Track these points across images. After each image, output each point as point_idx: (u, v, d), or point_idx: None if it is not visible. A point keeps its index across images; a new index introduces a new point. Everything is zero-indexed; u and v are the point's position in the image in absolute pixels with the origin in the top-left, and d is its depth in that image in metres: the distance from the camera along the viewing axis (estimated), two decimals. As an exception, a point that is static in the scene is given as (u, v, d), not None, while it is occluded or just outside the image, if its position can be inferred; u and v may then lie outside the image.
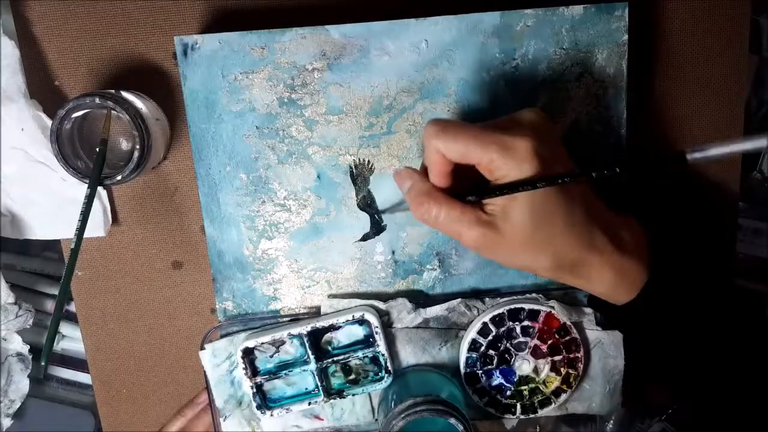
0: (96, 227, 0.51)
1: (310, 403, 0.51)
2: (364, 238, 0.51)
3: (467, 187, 0.42)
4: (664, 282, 0.44)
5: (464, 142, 0.40)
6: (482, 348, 0.51)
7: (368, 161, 0.50)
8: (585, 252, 0.42)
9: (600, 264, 0.43)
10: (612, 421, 0.57)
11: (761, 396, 0.44)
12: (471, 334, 0.51)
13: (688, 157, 0.37)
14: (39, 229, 0.52)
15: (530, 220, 0.41)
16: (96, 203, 0.51)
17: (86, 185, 0.45)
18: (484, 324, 0.51)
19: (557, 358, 0.51)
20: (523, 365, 0.52)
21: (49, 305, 0.57)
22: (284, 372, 0.51)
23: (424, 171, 0.44)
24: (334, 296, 0.52)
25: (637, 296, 0.44)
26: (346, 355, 0.50)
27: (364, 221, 0.51)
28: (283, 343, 0.51)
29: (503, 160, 0.39)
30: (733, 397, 0.45)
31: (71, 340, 0.57)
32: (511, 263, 0.43)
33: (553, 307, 0.50)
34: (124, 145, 0.50)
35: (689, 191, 0.53)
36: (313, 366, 0.50)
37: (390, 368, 0.51)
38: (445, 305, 0.51)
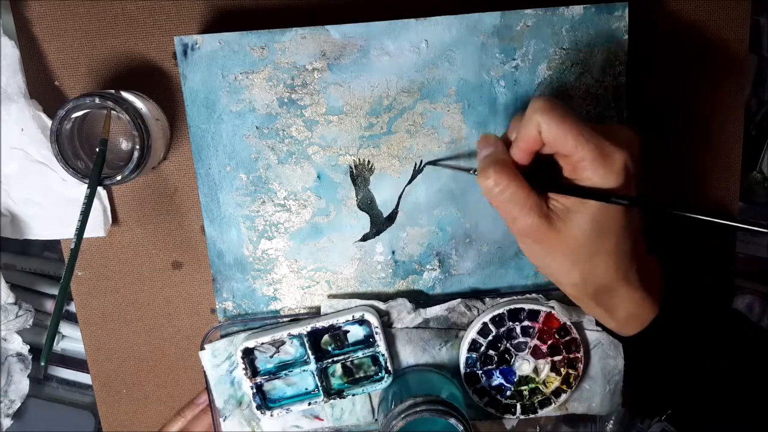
0: (96, 227, 0.51)
1: (310, 404, 0.51)
2: (364, 238, 0.51)
3: (539, 175, 0.41)
4: (672, 320, 0.45)
5: (567, 129, 0.38)
6: (482, 348, 0.51)
7: (368, 161, 0.50)
8: (616, 281, 0.42)
9: (624, 296, 0.43)
10: (612, 421, 0.57)
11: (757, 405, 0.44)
12: (471, 334, 0.51)
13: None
14: (39, 229, 0.52)
15: (588, 231, 0.40)
16: (96, 203, 0.51)
17: (86, 185, 0.45)
18: (484, 324, 0.51)
19: (557, 358, 0.51)
20: (523, 365, 0.52)
21: (49, 305, 0.57)
22: (284, 372, 0.51)
23: (505, 143, 0.43)
24: (334, 296, 0.52)
25: (643, 331, 0.44)
26: (346, 356, 0.50)
27: (364, 221, 0.51)
28: (283, 343, 0.51)
29: (595, 164, 0.39)
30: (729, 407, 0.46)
31: (71, 340, 0.57)
32: (543, 264, 0.43)
33: (553, 308, 0.50)
34: (124, 145, 0.50)
35: (689, 191, 0.53)
36: (313, 366, 0.50)
37: (390, 368, 0.51)
38: (445, 305, 0.51)
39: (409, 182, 0.50)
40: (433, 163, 0.50)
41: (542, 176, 0.41)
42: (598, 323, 0.50)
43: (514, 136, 0.42)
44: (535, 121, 0.39)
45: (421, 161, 0.50)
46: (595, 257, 0.41)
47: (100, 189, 0.51)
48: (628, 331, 0.45)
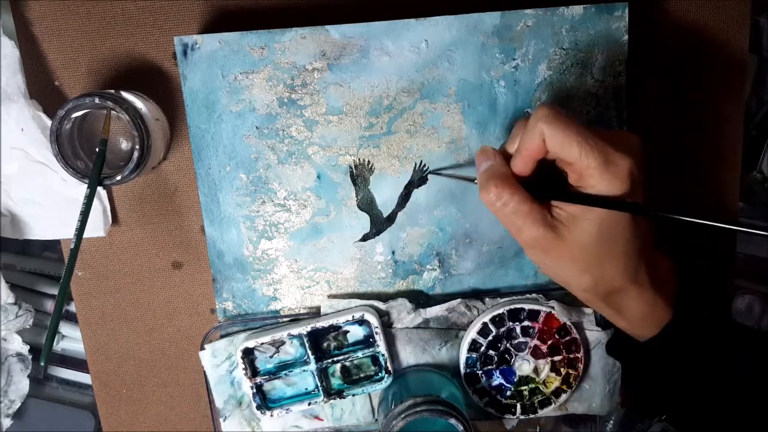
0: (96, 227, 0.51)
1: (310, 404, 0.51)
2: (364, 238, 0.51)
3: (542, 183, 0.41)
4: (687, 322, 0.44)
5: (572, 137, 0.38)
6: (482, 348, 0.51)
7: (368, 161, 0.50)
8: (627, 282, 0.42)
9: (635, 296, 0.43)
10: (612, 421, 0.57)
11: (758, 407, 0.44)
12: (471, 334, 0.51)
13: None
14: (39, 229, 0.52)
15: (595, 238, 0.40)
16: (96, 203, 0.51)
17: (86, 185, 0.45)
18: (484, 324, 0.51)
19: (557, 358, 0.51)
20: (523, 365, 0.52)
21: (49, 305, 0.57)
22: (284, 372, 0.51)
23: (504, 155, 0.43)
24: (334, 296, 0.52)
25: (658, 334, 0.44)
26: (346, 356, 0.50)
27: (364, 221, 0.51)
28: (283, 343, 0.51)
29: (600, 171, 0.39)
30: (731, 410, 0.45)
31: (71, 340, 0.57)
32: (552, 272, 0.43)
33: (553, 308, 0.50)
34: (124, 145, 0.50)
35: (690, 191, 0.53)
36: (313, 366, 0.50)
37: (390, 368, 0.51)
38: (445, 305, 0.51)
39: (408, 185, 0.50)
40: (436, 172, 0.50)
41: (545, 185, 0.41)
42: (612, 326, 0.49)
43: (514, 145, 0.42)
44: (539, 129, 0.39)
45: (422, 161, 0.50)
46: (604, 262, 0.41)
47: (100, 189, 0.51)
48: (643, 333, 0.45)
